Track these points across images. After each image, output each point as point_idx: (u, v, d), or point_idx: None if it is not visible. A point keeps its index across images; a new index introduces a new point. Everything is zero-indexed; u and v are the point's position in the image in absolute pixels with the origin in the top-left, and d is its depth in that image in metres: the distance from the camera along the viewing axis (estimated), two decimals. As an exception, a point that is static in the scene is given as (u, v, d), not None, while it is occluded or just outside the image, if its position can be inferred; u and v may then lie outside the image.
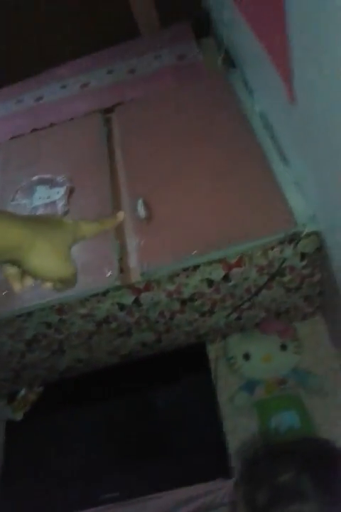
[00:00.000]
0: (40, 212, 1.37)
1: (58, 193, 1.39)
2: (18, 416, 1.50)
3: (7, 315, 1.25)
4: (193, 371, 1.52)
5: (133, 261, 1.24)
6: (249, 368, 1.50)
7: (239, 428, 1.46)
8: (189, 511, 1.33)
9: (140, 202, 1.23)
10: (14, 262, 0.61)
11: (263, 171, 1.25)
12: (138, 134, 1.50)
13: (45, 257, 0.60)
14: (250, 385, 1.49)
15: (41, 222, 0.62)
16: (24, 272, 0.65)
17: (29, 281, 0.66)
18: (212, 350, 1.52)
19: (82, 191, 1.42)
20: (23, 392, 1.52)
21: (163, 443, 1.46)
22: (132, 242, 1.25)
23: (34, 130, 1.69)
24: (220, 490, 1.32)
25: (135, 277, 1.22)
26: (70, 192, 1.41)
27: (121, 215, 0.75)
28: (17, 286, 0.67)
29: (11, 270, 0.65)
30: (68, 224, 0.65)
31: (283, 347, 1.49)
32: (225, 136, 1.36)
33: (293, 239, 1.14)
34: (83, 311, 1.27)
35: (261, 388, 1.48)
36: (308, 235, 1.14)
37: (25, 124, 1.76)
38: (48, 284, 0.66)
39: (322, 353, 1.50)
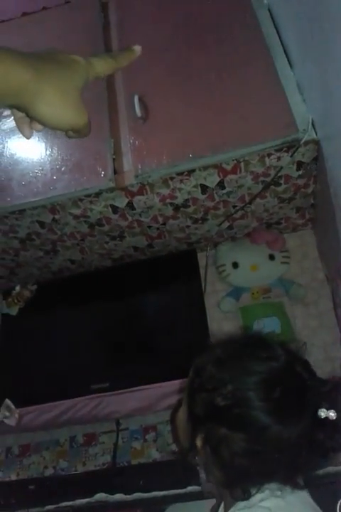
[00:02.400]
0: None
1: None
2: (13, 311, 1.47)
3: (0, 211, 1.18)
4: (183, 277, 1.48)
5: (127, 162, 1.14)
6: (236, 276, 1.46)
7: (222, 331, 1.45)
8: (172, 403, 1.34)
9: (136, 99, 1.11)
10: (19, 108, 0.51)
11: (266, 72, 1.12)
12: (137, 24, 1.33)
13: (53, 104, 0.50)
14: (237, 292, 1.47)
15: (49, 62, 0.51)
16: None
17: (38, 127, 0.56)
18: (202, 258, 1.47)
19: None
20: (17, 288, 1.48)
21: (151, 342, 1.45)
22: (127, 142, 1.15)
23: (24, 14, 1.48)
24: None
25: (129, 179, 1.13)
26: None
27: (138, 49, 0.62)
28: (26, 132, 0.56)
29: (19, 114, 0.55)
30: (79, 63, 0.54)
31: (271, 257, 1.44)
32: (229, 32, 1.21)
33: (292, 146, 1.05)
34: (76, 211, 1.20)
35: (246, 295, 1.45)
36: (307, 142, 1.05)
37: (14, 6, 1.54)
38: (59, 132, 0.57)
39: (308, 265, 1.47)
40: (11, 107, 0.52)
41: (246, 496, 0.68)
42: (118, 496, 1.18)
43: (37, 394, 1.40)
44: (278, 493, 0.67)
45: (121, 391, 1.38)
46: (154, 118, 1.15)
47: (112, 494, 1.19)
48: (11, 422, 1.36)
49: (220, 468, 0.71)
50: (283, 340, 0.74)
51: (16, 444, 1.48)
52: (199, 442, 0.71)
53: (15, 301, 1.47)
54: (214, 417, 0.69)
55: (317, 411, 0.65)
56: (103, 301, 1.47)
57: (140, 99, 1.13)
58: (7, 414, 1.37)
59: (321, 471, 0.86)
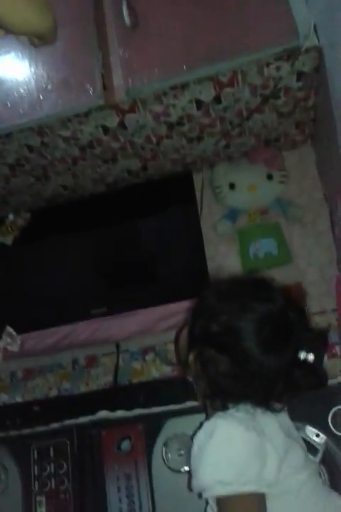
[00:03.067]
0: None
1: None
2: (8, 240, 1.45)
3: (-16, 136, 1.12)
4: (179, 200, 1.44)
5: (117, 77, 1.07)
6: (233, 197, 1.42)
7: (219, 254, 1.44)
8: (170, 325, 1.36)
9: (125, 4, 1.01)
10: None
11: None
12: None
13: (13, 5, 0.48)
14: (233, 214, 1.43)
15: None
16: None
17: (0, 33, 0.52)
18: (198, 179, 1.43)
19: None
20: (11, 217, 1.44)
21: (148, 266, 1.45)
22: (116, 55, 1.06)
23: None
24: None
25: (119, 96, 1.06)
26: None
27: None
28: None
29: None
30: None
31: (269, 176, 1.40)
32: None
33: (292, 54, 0.98)
34: (65, 133, 1.13)
35: (243, 217, 1.42)
36: (308, 50, 0.98)
37: None
38: (22, 38, 0.53)
39: (307, 184, 1.42)
40: None
41: (224, 408, 0.78)
42: (120, 413, 1.22)
43: (38, 320, 1.41)
44: (251, 411, 0.77)
45: (120, 315, 1.39)
46: (145, 27, 1.05)
47: (114, 411, 1.23)
48: (14, 348, 1.39)
49: (206, 383, 0.81)
50: (284, 287, 0.84)
51: (20, 368, 1.50)
52: (191, 358, 0.82)
53: (10, 229, 1.44)
54: (207, 339, 0.79)
55: (298, 352, 0.76)
56: (99, 226, 1.45)
57: (128, 6, 1.03)
58: (9, 340, 1.39)
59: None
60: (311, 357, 0.76)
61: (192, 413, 1.16)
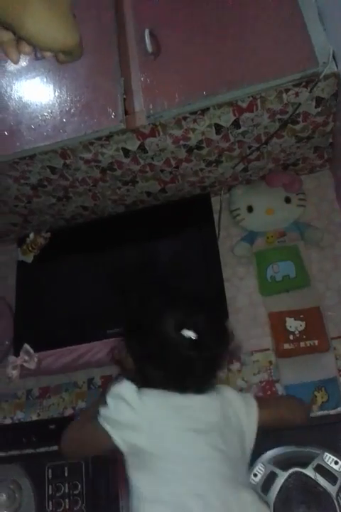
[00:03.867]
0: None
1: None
2: (29, 258, 1.47)
3: (10, 157, 1.15)
4: (197, 222, 1.45)
5: (138, 102, 1.10)
6: (251, 220, 1.43)
7: (236, 276, 1.44)
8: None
9: (147, 33, 1.05)
10: (7, 25, 0.49)
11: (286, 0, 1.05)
12: None
13: (42, 18, 0.47)
14: (251, 236, 1.44)
15: None
16: (20, 38, 0.52)
17: (26, 49, 0.53)
18: (216, 202, 1.44)
19: (82, 17, 1.20)
20: (31, 236, 1.48)
21: (165, 281, 1.45)
22: (138, 81, 1.10)
23: None
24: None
25: (140, 120, 1.09)
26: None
27: None
28: (13, 56, 0.54)
29: (5, 37, 0.53)
30: None
31: (287, 200, 1.40)
32: None
33: (311, 80, 1.00)
34: (87, 155, 1.17)
35: (261, 239, 1.42)
36: (327, 76, 0.99)
37: None
38: (47, 53, 0.53)
39: (325, 207, 1.42)
40: None
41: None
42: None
43: (55, 338, 1.42)
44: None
45: (136, 335, 1.40)
46: (166, 54, 1.09)
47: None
48: (31, 365, 1.40)
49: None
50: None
51: (36, 386, 1.51)
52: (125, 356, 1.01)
53: (30, 248, 1.47)
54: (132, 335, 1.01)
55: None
56: (117, 246, 1.46)
57: (151, 34, 1.07)
58: (26, 358, 1.41)
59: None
60: (192, 334, 0.89)
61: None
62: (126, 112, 1.08)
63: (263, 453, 1.09)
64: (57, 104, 1.13)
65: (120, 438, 0.89)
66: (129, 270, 1.46)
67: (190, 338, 0.89)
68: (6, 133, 1.14)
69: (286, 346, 1.29)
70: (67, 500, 1.22)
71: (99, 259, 1.47)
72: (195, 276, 1.41)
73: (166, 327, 0.91)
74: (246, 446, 0.94)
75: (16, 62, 0.55)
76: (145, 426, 0.88)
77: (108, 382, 1.45)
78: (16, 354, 1.38)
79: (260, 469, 1.07)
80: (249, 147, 1.21)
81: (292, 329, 1.31)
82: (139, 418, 0.89)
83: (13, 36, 0.52)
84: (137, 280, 1.43)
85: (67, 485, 1.23)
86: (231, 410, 0.94)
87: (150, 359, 0.94)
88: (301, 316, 1.32)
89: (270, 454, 1.09)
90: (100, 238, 1.47)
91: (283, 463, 1.07)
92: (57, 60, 0.54)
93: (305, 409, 1.10)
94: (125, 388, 0.92)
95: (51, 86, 1.14)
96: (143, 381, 0.93)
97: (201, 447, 0.87)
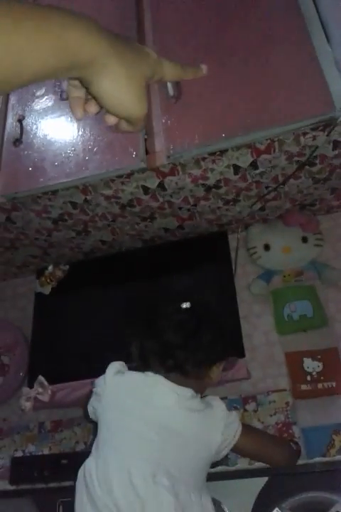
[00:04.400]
0: (64, 83, 1.25)
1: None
2: (46, 290, 1.50)
3: (33, 192, 1.20)
4: (213, 259, 1.47)
5: (159, 142, 1.14)
6: (268, 259, 1.45)
7: (253, 314, 1.45)
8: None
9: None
10: (81, 80, 0.50)
11: (303, 47, 1.08)
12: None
13: (119, 83, 0.48)
14: (268, 275, 1.45)
15: (122, 42, 0.49)
16: (89, 98, 0.53)
17: (93, 109, 0.54)
18: (233, 240, 1.46)
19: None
20: (50, 268, 1.51)
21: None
22: (159, 122, 1.14)
23: None
24: (232, 367, 1.33)
25: (160, 160, 1.12)
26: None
27: (205, 69, 0.62)
28: (78, 113, 0.55)
29: (76, 93, 0.54)
30: (151, 55, 0.53)
31: (304, 239, 1.42)
32: (265, 6, 1.17)
33: (328, 125, 1.02)
34: (107, 192, 1.20)
35: (278, 278, 1.43)
36: (344, 121, 1.02)
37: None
38: (112, 119, 0.53)
39: (342, 248, 1.43)
40: (72, 79, 0.51)
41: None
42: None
43: (69, 371, 1.43)
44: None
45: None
46: (187, 97, 1.13)
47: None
48: (44, 397, 1.40)
49: None
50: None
51: (49, 419, 1.51)
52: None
53: (48, 280, 1.50)
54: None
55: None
56: (133, 281, 1.48)
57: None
58: (40, 390, 1.41)
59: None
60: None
61: (225, 478, 1.14)
62: (146, 152, 1.12)
63: (280, 497, 1.07)
64: (80, 143, 1.18)
65: (90, 405, 1.04)
66: (145, 305, 1.47)
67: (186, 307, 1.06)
68: (30, 169, 1.19)
69: (304, 387, 1.28)
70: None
71: (115, 293, 1.49)
72: (210, 312, 1.42)
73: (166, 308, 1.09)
74: (204, 457, 0.94)
75: (80, 119, 0.56)
76: (105, 395, 0.99)
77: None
78: (30, 386, 1.39)
79: (276, 515, 1.05)
80: (267, 187, 1.24)
81: (309, 370, 1.30)
82: (104, 389, 1.00)
83: (84, 94, 0.53)
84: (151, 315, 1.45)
85: (77, 523, 1.21)
86: (201, 416, 0.94)
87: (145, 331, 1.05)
88: (318, 356, 1.31)
89: (287, 499, 1.06)
90: (117, 272, 1.50)
91: (300, 508, 1.04)
92: (118, 127, 0.55)
93: (291, 452, 1.10)
94: (111, 365, 1.04)
95: (75, 125, 1.19)
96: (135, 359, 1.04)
97: (141, 428, 0.92)
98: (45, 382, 1.41)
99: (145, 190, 1.20)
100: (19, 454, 1.46)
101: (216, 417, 0.95)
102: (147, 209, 1.29)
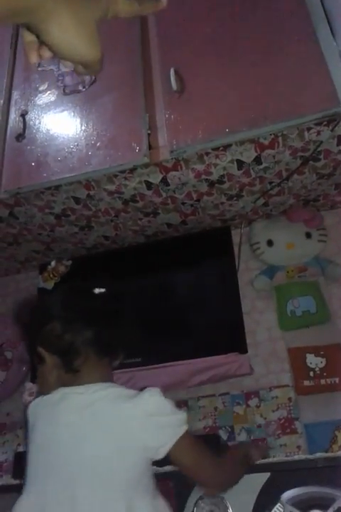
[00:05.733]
0: (67, 78, 1.25)
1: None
2: (49, 285, 1.51)
3: (36, 187, 1.20)
4: (217, 254, 1.47)
5: (162, 137, 1.14)
6: (271, 254, 1.45)
7: (256, 310, 1.45)
8: (203, 379, 1.36)
9: (172, 72, 1.10)
10: (31, 29, 0.49)
11: (308, 42, 1.08)
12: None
13: (67, 28, 0.48)
14: (271, 270, 1.45)
15: None
16: (42, 43, 0.53)
17: (47, 54, 0.54)
18: (237, 235, 1.46)
19: (110, 56, 1.25)
20: (53, 263, 1.52)
21: (183, 319, 1.46)
22: (162, 117, 1.14)
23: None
24: (234, 363, 1.34)
25: (163, 155, 1.12)
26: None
27: (164, 1, 0.60)
28: (33, 57, 0.55)
29: (29, 38, 0.54)
30: None
31: (308, 235, 1.42)
32: (269, 0, 1.17)
33: (333, 120, 1.02)
34: (110, 187, 1.21)
35: (281, 274, 1.43)
36: (349, 116, 1.02)
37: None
38: (68, 63, 0.53)
39: (346, 243, 1.44)
40: (22, 25, 0.50)
41: None
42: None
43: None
44: None
45: (153, 366, 1.40)
46: (190, 92, 1.13)
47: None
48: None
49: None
50: None
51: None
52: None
53: (51, 276, 1.50)
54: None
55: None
56: (136, 277, 1.49)
57: (176, 72, 1.12)
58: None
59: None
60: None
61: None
62: (150, 147, 1.12)
63: (282, 492, 1.08)
64: (83, 138, 1.18)
65: None
66: (148, 300, 1.48)
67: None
68: (33, 164, 1.19)
69: (306, 383, 1.29)
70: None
71: (117, 288, 1.50)
72: (213, 308, 1.43)
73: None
74: (132, 458, 0.88)
75: (34, 62, 0.56)
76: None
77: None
78: (33, 380, 1.40)
79: (279, 509, 1.06)
80: (270, 183, 1.24)
81: (312, 366, 1.30)
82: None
83: (36, 39, 0.53)
84: (154, 310, 1.45)
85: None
86: (128, 409, 0.89)
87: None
88: (321, 352, 1.31)
89: (289, 493, 1.07)
90: (120, 267, 1.50)
91: (303, 504, 1.05)
92: (76, 71, 0.55)
93: (227, 479, 0.99)
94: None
95: (78, 120, 1.20)
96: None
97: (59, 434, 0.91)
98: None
99: (148, 185, 1.21)
100: (22, 448, 1.47)
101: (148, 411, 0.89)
102: (150, 204, 1.29)
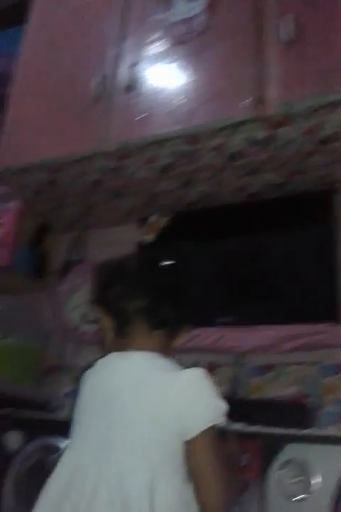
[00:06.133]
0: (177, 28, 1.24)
1: (196, 8, 1.22)
2: (149, 239, 1.56)
3: (141, 141, 1.23)
4: (318, 219, 1.40)
5: (271, 91, 1.10)
6: None
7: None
8: (294, 346, 1.34)
9: (285, 20, 1.04)
10: None
11: None
12: None
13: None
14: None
15: None
16: None
17: None
18: (340, 201, 1.37)
19: (220, 5, 1.22)
20: (153, 218, 1.56)
21: (278, 283, 1.43)
22: (272, 69, 1.10)
23: None
24: (327, 333, 1.29)
25: (271, 109, 1.09)
26: (210, 7, 1.23)
27: None
28: None
29: None
30: None
31: None
32: None
33: None
34: (215, 142, 1.20)
35: None
36: None
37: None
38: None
39: None
40: None
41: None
42: (239, 426, 1.22)
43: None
44: None
45: (245, 327, 1.40)
46: (303, 42, 1.07)
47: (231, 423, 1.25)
48: None
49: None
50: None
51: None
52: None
53: (151, 230, 1.55)
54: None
55: None
56: (234, 235, 1.48)
57: (289, 22, 1.06)
58: None
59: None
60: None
61: (314, 442, 1.13)
62: (258, 100, 1.09)
63: None
64: (191, 90, 1.18)
65: None
66: (244, 260, 1.47)
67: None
68: (140, 117, 1.22)
69: None
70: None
71: (214, 246, 1.51)
72: (309, 275, 1.37)
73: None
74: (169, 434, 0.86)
75: None
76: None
77: (211, 369, 1.49)
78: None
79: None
80: None
81: None
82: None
83: None
84: (248, 271, 1.44)
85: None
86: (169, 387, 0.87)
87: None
88: None
89: None
90: (218, 225, 1.50)
91: None
92: None
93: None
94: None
95: (186, 72, 1.20)
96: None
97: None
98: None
99: (253, 141, 1.18)
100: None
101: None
102: (254, 162, 1.27)
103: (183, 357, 1.49)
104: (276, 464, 1.15)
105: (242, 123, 1.11)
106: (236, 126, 1.13)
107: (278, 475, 1.13)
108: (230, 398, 1.39)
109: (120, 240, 1.74)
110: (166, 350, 0.99)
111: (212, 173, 1.34)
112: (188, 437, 0.84)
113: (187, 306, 1.04)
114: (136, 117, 1.22)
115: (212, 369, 1.49)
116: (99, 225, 1.74)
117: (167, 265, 1.06)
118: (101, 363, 0.99)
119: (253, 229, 1.47)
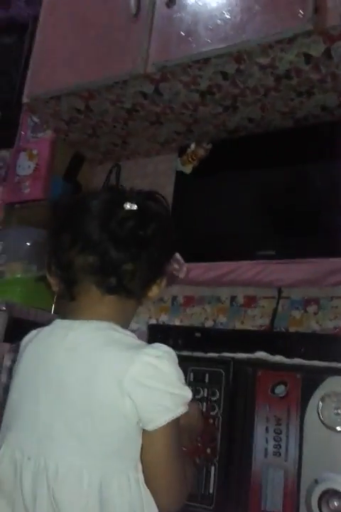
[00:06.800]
0: None
1: None
2: (188, 169, 1.50)
3: (184, 60, 1.15)
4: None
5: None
6: None
7: None
8: (337, 280, 1.30)
9: None
10: None
11: None
12: None
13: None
14: None
15: None
16: None
17: None
18: None
19: None
20: (192, 146, 1.49)
21: (323, 215, 1.36)
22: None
23: None
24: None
25: (331, 20, 0.98)
26: None
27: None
28: None
29: None
30: None
31: None
32: None
33: None
34: (264, 61, 1.11)
35: None
36: None
37: None
38: None
39: None
40: None
41: None
42: (279, 358, 1.22)
43: (205, 252, 1.46)
44: None
45: (287, 261, 1.36)
46: None
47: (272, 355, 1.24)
48: (180, 274, 1.47)
49: None
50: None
51: (181, 294, 1.60)
52: None
53: (190, 159, 1.49)
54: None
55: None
56: (278, 164, 1.40)
57: None
58: (176, 267, 1.48)
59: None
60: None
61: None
62: (316, 10, 0.98)
63: None
64: (238, 2, 1.07)
65: None
66: (287, 191, 1.40)
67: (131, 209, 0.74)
68: (182, 34, 1.14)
69: None
70: (204, 404, 1.30)
71: (257, 176, 1.43)
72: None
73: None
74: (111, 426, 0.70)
75: None
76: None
77: (250, 302, 1.48)
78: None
79: None
80: None
81: None
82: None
83: None
84: (292, 202, 1.38)
85: (206, 390, 1.30)
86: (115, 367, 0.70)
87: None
88: None
89: None
90: (261, 154, 1.41)
91: None
92: None
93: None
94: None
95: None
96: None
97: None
98: (181, 260, 1.47)
99: (308, 58, 1.08)
100: (153, 321, 1.58)
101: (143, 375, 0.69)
102: (306, 82, 1.17)
103: (221, 290, 1.51)
104: (317, 396, 1.15)
105: (295, 37, 1.01)
106: (288, 42, 1.03)
107: (319, 407, 1.13)
108: (270, 331, 1.43)
109: (158, 170, 1.70)
110: (127, 316, 0.80)
111: (259, 95, 1.25)
112: (146, 428, 0.70)
113: (158, 264, 0.78)
114: (176, 35, 1.13)
115: (251, 302, 1.48)
116: (136, 156, 1.69)
117: (132, 210, 0.76)
118: (44, 332, 0.80)
119: (299, 158, 1.38)
